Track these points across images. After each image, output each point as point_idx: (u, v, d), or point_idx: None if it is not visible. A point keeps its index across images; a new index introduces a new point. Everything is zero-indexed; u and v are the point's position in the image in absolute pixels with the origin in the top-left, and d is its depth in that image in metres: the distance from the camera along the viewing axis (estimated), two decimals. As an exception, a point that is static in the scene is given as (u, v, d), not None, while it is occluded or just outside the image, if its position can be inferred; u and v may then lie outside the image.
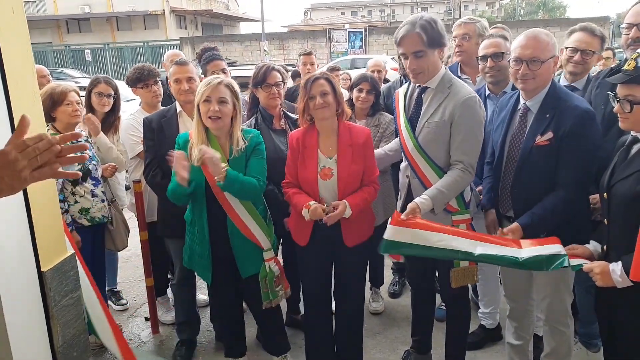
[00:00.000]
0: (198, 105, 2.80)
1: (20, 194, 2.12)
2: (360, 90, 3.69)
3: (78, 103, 3.45)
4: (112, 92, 3.96)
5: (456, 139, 2.72)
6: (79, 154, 1.42)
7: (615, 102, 2.18)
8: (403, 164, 3.01)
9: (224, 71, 3.78)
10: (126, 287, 4.73)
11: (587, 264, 2.22)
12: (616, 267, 2.10)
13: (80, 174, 3.41)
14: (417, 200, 2.64)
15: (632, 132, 2.22)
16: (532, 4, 60.29)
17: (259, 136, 2.97)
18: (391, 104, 3.75)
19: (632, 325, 2.21)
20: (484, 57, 3.26)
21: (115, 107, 4.04)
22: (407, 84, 3.05)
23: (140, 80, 3.82)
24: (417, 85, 2.87)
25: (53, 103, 3.34)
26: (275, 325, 3.32)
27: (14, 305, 2.02)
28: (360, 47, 26.90)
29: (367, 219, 3.05)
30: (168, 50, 28.23)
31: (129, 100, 10.04)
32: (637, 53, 2.12)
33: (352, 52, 25.93)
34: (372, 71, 4.53)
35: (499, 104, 2.94)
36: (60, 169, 1.38)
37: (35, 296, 2.20)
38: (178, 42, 28.24)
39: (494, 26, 4.01)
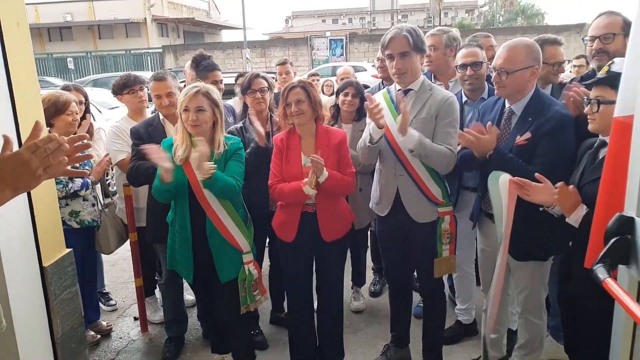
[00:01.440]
0: (181, 113, 2.92)
1: (24, 196, 2.28)
2: (346, 95, 3.89)
3: (76, 113, 3.57)
4: (83, 99, 4.03)
5: (440, 130, 2.94)
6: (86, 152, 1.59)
7: (587, 104, 2.38)
8: (384, 166, 3.15)
9: (221, 81, 3.96)
10: (114, 289, 4.84)
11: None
12: (583, 211, 2.28)
13: (88, 172, 3.55)
14: (410, 129, 2.83)
15: (600, 136, 2.39)
16: (511, 11, 60.94)
17: (240, 143, 3.10)
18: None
19: (594, 315, 2.30)
20: (464, 66, 3.43)
21: (86, 114, 4.05)
22: (384, 89, 3.24)
23: (126, 86, 3.93)
24: (398, 90, 3.06)
25: (56, 111, 3.43)
26: (242, 340, 3.34)
27: (19, 298, 2.17)
28: (342, 54, 27.19)
29: (342, 217, 3.23)
30: (150, 58, 27.99)
31: (112, 108, 10.18)
32: (613, 61, 2.34)
33: (333, 60, 26.19)
34: (342, 79, 4.72)
35: (483, 107, 3.14)
36: (69, 167, 1.55)
37: (37, 290, 2.36)
38: (160, 50, 28.30)
39: (483, 35, 4.24)
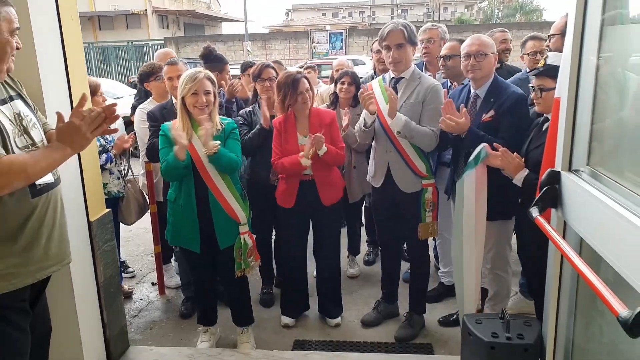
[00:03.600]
0: (182, 98, 3.16)
1: (77, 165, 2.76)
2: (343, 83, 4.39)
3: (103, 94, 4.03)
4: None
5: (426, 114, 3.42)
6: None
7: (532, 91, 2.93)
8: (377, 144, 3.62)
9: (228, 73, 4.47)
10: (131, 260, 5.29)
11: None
12: (525, 173, 2.80)
13: (118, 129, 3.98)
14: (398, 113, 3.32)
15: (544, 114, 2.92)
16: (510, 7, 61.24)
17: (234, 123, 3.42)
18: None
19: (539, 258, 2.64)
20: (447, 57, 3.92)
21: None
22: (380, 77, 3.71)
23: (153, 73, 4.39)
24: (391, 78, 3.54)
25: (90, 93, 3.79)
26: (241, 298, 3.63)
27: (72, 245, 2.63)
28: (341, 48, 27.53)
29: (336, 183, 3.73)
30: (152, 49, 27.79)
31: (118, 98, 10.64)
32: (547, 55, 2.86)
33: (332, 53, 26.55)
34: (337, 70, 5.20)
35: (451, 95, 3.62)
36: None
37: (85, 240, 2.84)
38: (162, 41, 28.47)
39: (499, 30, 4.84)
